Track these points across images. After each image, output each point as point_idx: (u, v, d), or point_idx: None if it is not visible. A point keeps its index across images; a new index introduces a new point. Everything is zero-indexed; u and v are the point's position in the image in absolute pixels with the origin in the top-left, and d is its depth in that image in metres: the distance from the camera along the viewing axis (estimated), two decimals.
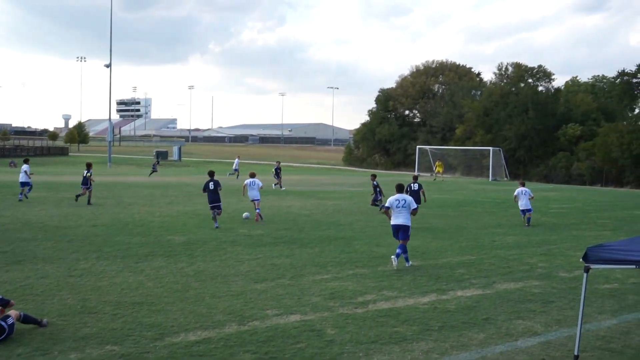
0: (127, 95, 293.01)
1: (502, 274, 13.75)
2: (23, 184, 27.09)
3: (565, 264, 15.07)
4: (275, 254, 15.74)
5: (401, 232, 14.32)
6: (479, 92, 76.62)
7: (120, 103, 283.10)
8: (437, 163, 56.85)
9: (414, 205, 14.53)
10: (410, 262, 14.45)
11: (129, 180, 42.61)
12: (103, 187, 34.82)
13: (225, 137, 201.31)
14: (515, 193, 23.09)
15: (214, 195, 20.99)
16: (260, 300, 11.10)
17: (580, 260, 8.02)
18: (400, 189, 14.67)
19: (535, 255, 16.15)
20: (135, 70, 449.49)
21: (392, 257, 14.20)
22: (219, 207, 20.95)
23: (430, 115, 77.91)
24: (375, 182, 26.90)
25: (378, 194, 26.46)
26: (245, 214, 23.35)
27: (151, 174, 52.49)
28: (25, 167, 27.44)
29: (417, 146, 69.47)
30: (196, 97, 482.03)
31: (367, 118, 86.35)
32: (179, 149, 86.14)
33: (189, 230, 19.63)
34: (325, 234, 19.33)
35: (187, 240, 17.49)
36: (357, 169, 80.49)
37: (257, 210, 22.29)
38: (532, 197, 22.72)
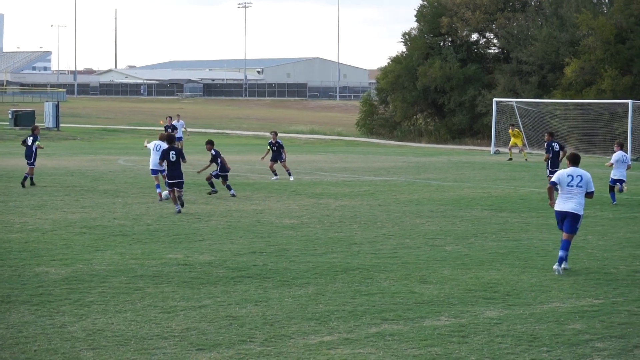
0: None
1: None
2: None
3: None
4: (235, 298, 15.77)
5: (568, 221, 18.34)
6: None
7: None
8: (511, 131, 56.93)
9: (592, 187, 18.54)
10: (566, 265, 18.41)
11: None
12: None
13: (141, 84, 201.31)
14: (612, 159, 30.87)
15: (174, 169, 27.06)
16: None
17: None
18: (575, 160, 18.73)
19: None
20: None
21: (555, 266, 18.23)
22: (180, 185, 27.13)
23: (517, 43, 77.92)
24: (213, 152, 31.48)
25: (221, 164, 31.72)
26: (164, 193, 29.49)
27: None
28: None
29: (495, 99, 69.51)
30: (85, 12, 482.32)
31: (402, 49, 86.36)
32: (56, 108, 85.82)
33: (75, 255, 19.64)
34: (325, 261, 19.37)
35: (72, 275, 17.49)
36: (384, 141, 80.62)
37: (158, 190, 29.95)
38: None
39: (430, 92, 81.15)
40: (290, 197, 31.99)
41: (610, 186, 30.81)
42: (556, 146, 32.50)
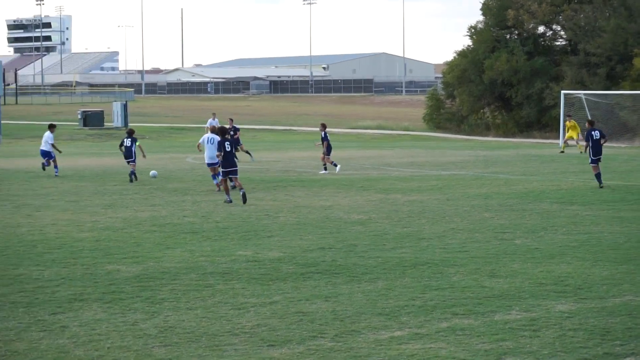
0: (26, 13, 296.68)
1: None
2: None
3: None
4: (305, 294, 15.83)
5: None
6: None
7: (14, 27, 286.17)
8: (567, 123, 56.49)
9: None
10: None
11: (38, 165, 43.12)
12: None
13: (208, 82, 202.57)
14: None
15: (229, 159, 28.94)
16: None
17: None
18: None
19: None
20: None
21: None
22: (235, 172, 29.19)
23: (584, 35, 77.13)
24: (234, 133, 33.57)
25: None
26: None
27: None
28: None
29: (562, 91, 68.89)
30: (152, 12, 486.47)
31: (468, 42, 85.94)
32: (124, 108, 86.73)
33: (145, 253, 19.83)
34: (394, 257, 19.39)
35: (142, 273, 17.67)
36: (451, 135, 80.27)
37: (215, 181, 31.78)
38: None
39: (497, 86, 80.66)
40: (358, 192, 31.99)
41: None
42: (596, 134, 33.29)
